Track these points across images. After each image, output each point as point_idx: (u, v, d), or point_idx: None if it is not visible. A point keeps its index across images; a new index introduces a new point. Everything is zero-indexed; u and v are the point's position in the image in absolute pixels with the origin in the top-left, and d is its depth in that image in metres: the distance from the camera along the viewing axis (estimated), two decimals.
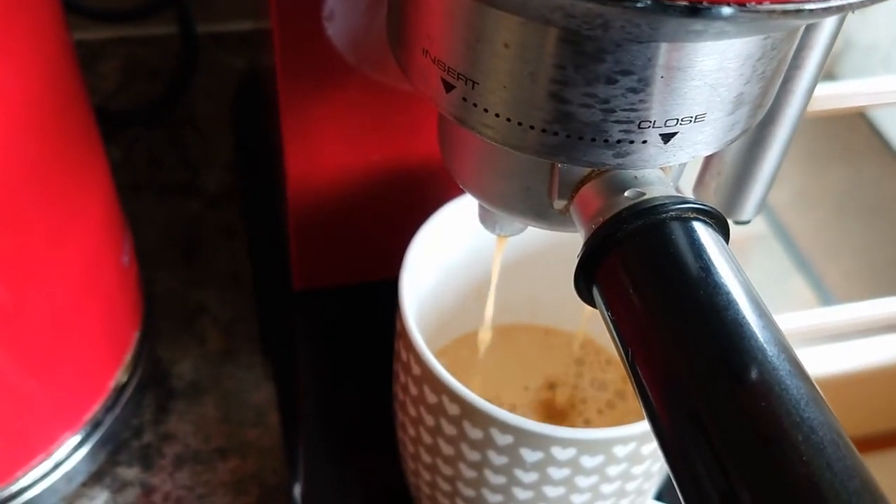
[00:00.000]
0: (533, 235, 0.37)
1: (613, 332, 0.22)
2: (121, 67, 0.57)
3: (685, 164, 0.26)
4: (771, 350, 0.19)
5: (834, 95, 0.47)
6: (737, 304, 0.20)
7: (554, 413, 0.37)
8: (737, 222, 0.30)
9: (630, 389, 0.38)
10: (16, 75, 0.27)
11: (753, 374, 0.19)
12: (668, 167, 0.24)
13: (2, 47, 0.26)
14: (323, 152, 0.37)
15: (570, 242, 0.37)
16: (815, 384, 0.19)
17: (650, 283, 0.21)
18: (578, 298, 0.39)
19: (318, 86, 0.35)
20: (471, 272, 0.37)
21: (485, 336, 0.35)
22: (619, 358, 0.39)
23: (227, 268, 0.48)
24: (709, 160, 0.30)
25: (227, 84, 0.58)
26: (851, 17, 0.26)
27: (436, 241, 0.34)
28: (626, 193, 0.22)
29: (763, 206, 0.30)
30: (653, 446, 0.29)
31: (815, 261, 0.95)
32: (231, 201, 0.51)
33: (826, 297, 0.92)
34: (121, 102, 0.56)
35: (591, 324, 0.40)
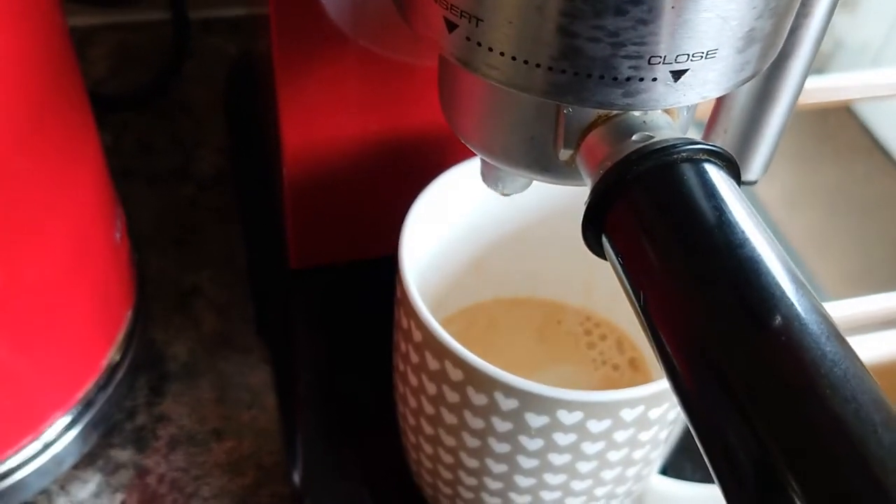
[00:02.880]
0: (533, 206, 0.36)
1: (625, 279, 0.21)
2: (111, 53, 0.57)
3: (693, 111, 0.25)
4: (788, 286, 0.18)
5: (822, 88, 0.47)
6: (752, 241, 0.19)
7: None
8: (744, 183, 0.29)
9: (635, 361, 0.38)
10: (5, 45, 0.27)
11: (772, 311, 0.18)
12: (675, 112, 0.24)
13: None
14: (320, 126, 0.36)
15: (570, 215, 0.36)
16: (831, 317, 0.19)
17: (662, 226, 0.20)
18: (579, 272, 0.38)
19: (314, 58, 0.34)
20: (470, 244, 0.37)
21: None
22: (622, 329, 0.39)
23: (221, 251, 0.47)
24: (715, 117, 0.29)
25: (218, 70, 0.57)
26: (841, 16, 0.26)
27: (436, 207, 0.33)
28: (633, 137, 0.22)
29: (769, 166, 0.30)
30: (661, 410, 0.28)
31: (807, 258, 0.95)
32: (224, 185, 0.50)
33: (818, 294, 0.91)
34: (111, 88, 0.55)
35: (593, 298, 0.39)
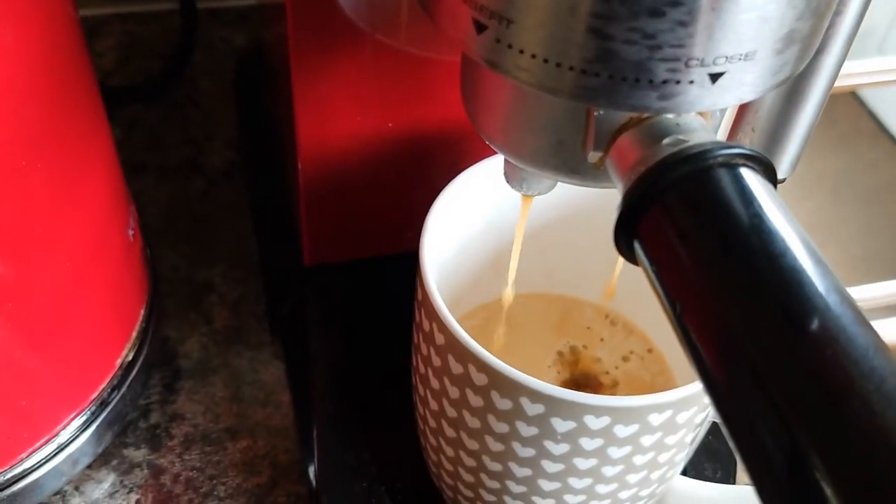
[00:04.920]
0: (551, 204, 0.36)
1: (658, 287, 0.20)
2: (119, 45, 0.56)
3: (725, 113, 0.25)
4: (832, 297, 0.18)
5: None
6: (792, 251, 0.19)
7: (576, 385, 0.36)
8: None
9: (652, 356, 0.37)
10: (17, 38, 0.26)
11: (815, 323, 0.18)
12: (709, 114, 0.23)
13: (3, 8, 0.25)
14: (335, 121, 0.36)
15: (590, 212, 0.36)
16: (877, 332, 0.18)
17: (699, 233, 0.20)
18: (597, 268, 0.38)
19: (329, 53, 0.34)
20: (489, 242, 0.36)
21: (507, 297, 0.34)
22: (640, 325, 0.38)
23: (232, 246, 0.46)
24: (741, 116, 0.29)
25: (227, 61, 0.56)
26: None
27: (456, 206, 0.33)
28: (666, 141, 0.21)
29: (797, 164, 0.29)
30: (689, 414, 0.27)
31: (818, 250, 0.94)
32: (235, 179, 0.50)
33: None
34: (119, 80, 0.54)
35: (611, 294, 0.38)
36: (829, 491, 0.16)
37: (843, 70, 0.46)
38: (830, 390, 0.17)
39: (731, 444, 0.18)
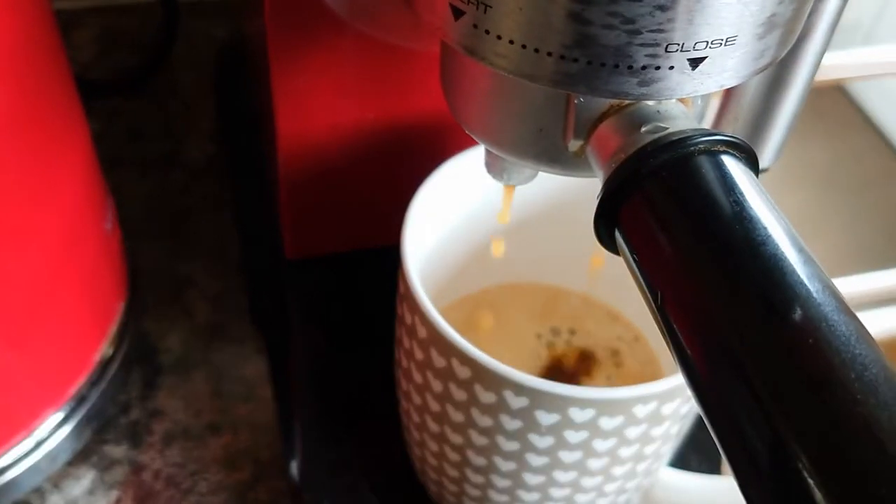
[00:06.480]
0: (536, 194, 0.35)
1: (639, 275, 0.20)
2: (98, 37, 0.55)
3: (707, 100, 0.24)
4: (814, 285, 0.18)
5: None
6: (774, 238, 0.18)
7: (562, 375, 0.36)
8: None
9: (639, 347, 0.37)
10: None
11: (797, 312, 0.17)
12: (690, 101, 0.23)
13: None
14: (315, 112, 0.35)
15: (573, 202, 0.35)
16: (860, 320, 0.18)
17: (680, 221, 0.19)
18: (583, 258, 0.37)
19: (308, 44, 0.33)
20: (471, 233, 0.36)
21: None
22: (626, 316, 0.38)
23: (213, 240, 0.46)
24: (724, 105, 0.28)
25: (207, 53, 0.55)
26: None
27: (438, 199, 0.32)
28: (646, 128, 0.21)
29: (781, 153, 0.29)
30: (674, 406, 0.27)
31: (801, 238, 0.94)
32: (216, 172, 0.49)
33: None
34: (98, 73, 0.53)
35: (596, 283, 0.38)
36: (812, 481, 0.15)
37: (829, 62, 0.46)
38: (812, 379, 0.16)
39: (713, 435, 0.18)
